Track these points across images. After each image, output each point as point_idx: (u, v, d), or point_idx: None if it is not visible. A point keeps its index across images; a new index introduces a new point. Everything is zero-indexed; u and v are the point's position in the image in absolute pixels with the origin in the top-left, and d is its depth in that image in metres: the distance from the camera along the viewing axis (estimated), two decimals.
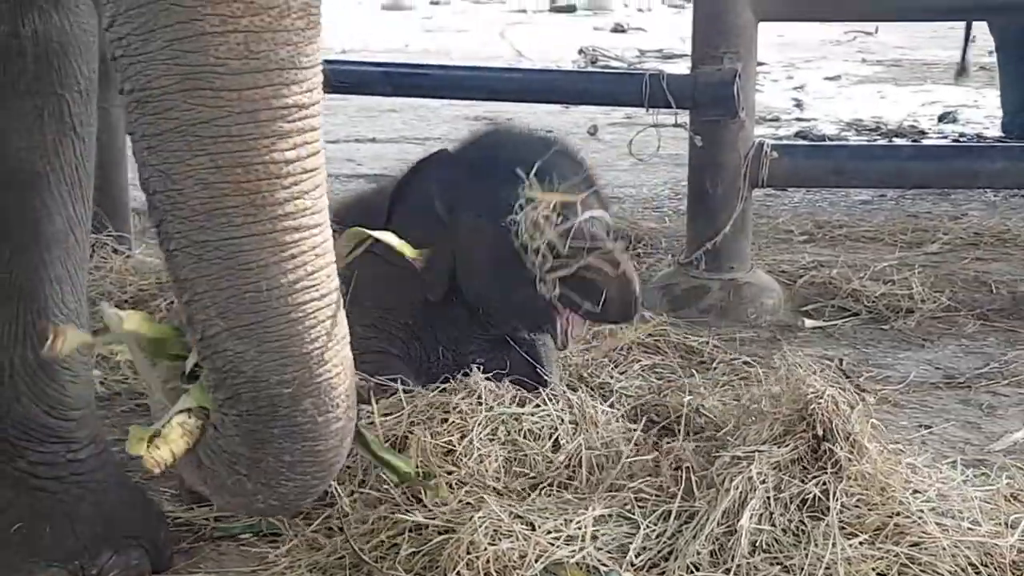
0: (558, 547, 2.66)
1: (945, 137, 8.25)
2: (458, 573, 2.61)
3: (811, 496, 2.74)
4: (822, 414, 2.80)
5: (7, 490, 2.77)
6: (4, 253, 2.78)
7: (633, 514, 2.79)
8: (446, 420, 3.03)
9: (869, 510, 2.74)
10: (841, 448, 2.77)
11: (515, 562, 2.62)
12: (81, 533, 2.77)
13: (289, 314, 2.09)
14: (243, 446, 2.17)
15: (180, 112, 2.03)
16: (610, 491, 2.86)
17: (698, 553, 2.67)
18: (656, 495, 2.86)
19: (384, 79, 5.30)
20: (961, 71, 7.41)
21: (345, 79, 4.91)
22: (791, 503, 2.73)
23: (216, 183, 2.03)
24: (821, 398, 2.82)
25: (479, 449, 2.97)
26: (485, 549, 2.64)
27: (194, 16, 2.00)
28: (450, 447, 2.97)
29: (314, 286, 2.10)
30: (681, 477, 2.87)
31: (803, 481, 2.75)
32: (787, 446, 2.80)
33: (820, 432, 2.79)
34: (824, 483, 2.74)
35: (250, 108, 2.03)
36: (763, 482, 2.74)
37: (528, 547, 2.65)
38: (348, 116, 8.57)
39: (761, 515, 2.71)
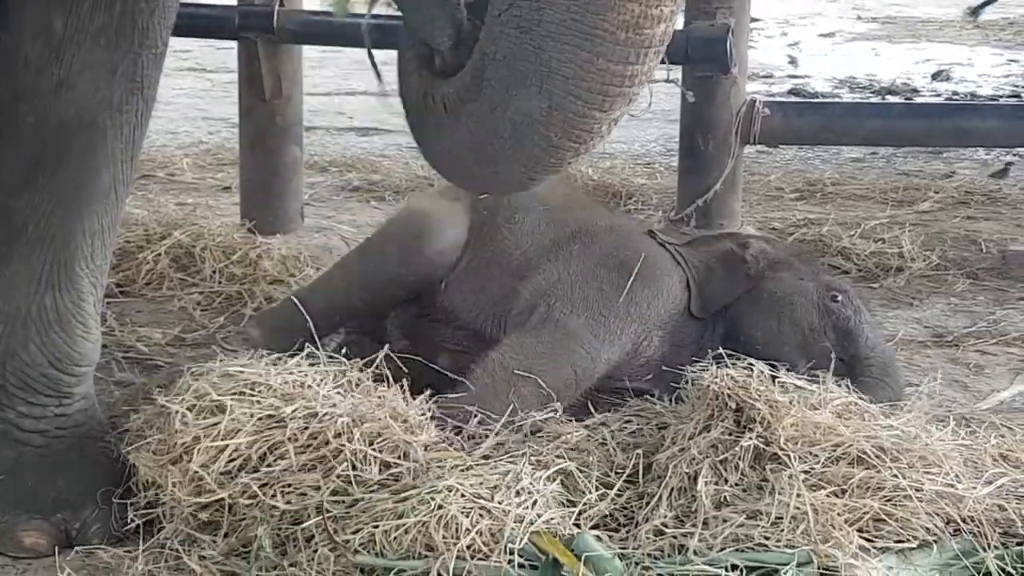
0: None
1: (939, 95, 8.21)
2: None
3: (755, 449, 2.82)
4: (726, 391, 2.91)
5: None
6: (44, 200, 2.77)
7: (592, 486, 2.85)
8: None
9: (812, 446, 2.83)
10: (760, 410, 2.87)
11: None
12: (64, 487, 2.77)
13: None
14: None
15: (550, 59, 2.15)
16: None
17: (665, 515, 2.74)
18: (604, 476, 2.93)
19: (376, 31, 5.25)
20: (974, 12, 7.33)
21: (333, 32, 4.85)
22: (742, 461, 2.81)
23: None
24: (718, 379, 2.94)
25: None
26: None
27: None
28: None
29: None
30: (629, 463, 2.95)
31: (738, 442, 2.83)
32: (716, 428, 2.89)
33: (733, 405, 2.90)
34: (760, 435, 2.83)
35: (612, 82, 2.14)
36: (707, 457, 2.83)
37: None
38: (340, 68, 8.50)
39: (717, 481, 2.79)
